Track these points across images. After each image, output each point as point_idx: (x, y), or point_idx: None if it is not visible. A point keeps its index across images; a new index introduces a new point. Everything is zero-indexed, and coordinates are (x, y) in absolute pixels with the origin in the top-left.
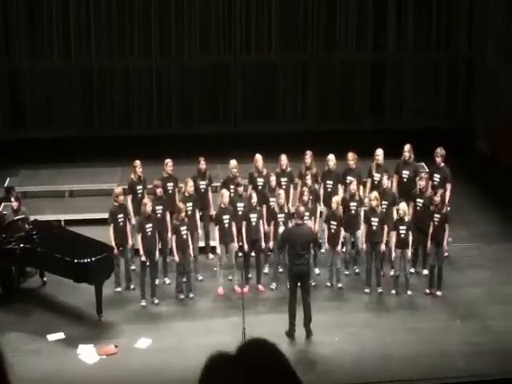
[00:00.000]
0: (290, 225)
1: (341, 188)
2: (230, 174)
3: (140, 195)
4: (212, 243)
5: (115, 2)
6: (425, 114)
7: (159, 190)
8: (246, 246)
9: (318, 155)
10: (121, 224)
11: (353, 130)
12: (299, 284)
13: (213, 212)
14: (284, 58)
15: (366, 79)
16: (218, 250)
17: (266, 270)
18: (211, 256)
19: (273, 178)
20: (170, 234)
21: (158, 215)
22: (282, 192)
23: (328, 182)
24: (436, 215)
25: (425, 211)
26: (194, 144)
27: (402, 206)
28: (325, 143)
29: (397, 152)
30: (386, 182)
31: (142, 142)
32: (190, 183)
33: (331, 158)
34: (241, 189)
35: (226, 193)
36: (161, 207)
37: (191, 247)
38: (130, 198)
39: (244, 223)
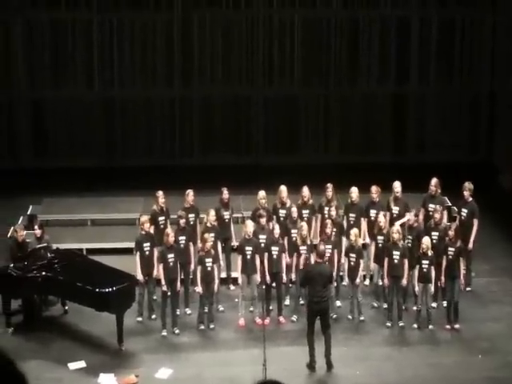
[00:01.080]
0: (312, 260)
1: (363, 221)
2: (259, 205)
3: (162, 226)
4: (234, 274)
5: (138, 34)
6: (447, 147)
7: (183, 221)
8: (267, 278)
9: (340, 188)
10: (147, 253)
11: (375, 163)
12: (319, 318)
13: (235, 243)
14: (306, 91)
15: (389, 112)
16: (240, 281)
17: (287, 302)
18: (233, 287)
19: (294, 210)
20: (192, 265)
21: (181, 245)
22: (304, 224)
23: (351, 214)
24: (450, 249)
25: (439, 244)
26: (216, 174)
27: (426, 240)
28: (347, 176)
29: (418, 185)
30: (412, 219)
31: (164, 172)
32: (212, 213)
33: (354, 190)
34: (263, 220)
35: (250, 223)
36: (184, 237)
37: (217, 280)
38: (152, 228)
39: (266, 255)
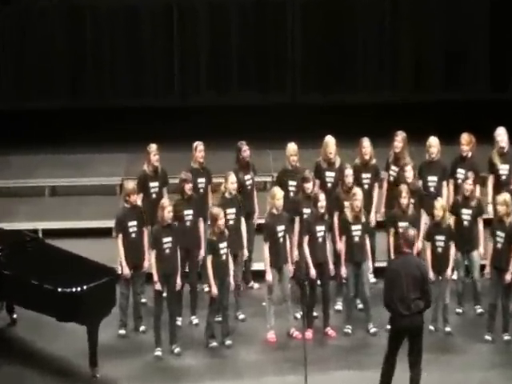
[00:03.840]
0: (392, 255)
1: (445, 187)
2: (288, 165)
3: (155, 195)
4: (257, 266)
5: None
6: None
7: (189, 187)
8: (312, 272)
9: (412, 138)
10: (133, 236)
11: (465, 101)
12: (406, 339)
13: (257, 221)
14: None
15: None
16: (269, 277)
17: (339, 306)
18: (256, 285)
19: (349, 172)
20: (202, 252)
21: (187, 223)
22: (359, 192)
23: (429, 178)
24: None
25: None
26: (232, 121)
27: None
28: (421, 118)
29: None
30: None
31: (158, 117)
32: (233, 178)
33: (433, 142)
34: (309, 186)
35: (279, 193)
36: (191, 212)
37: (232, 273)
38: (140, 198)
39: (306, 238)
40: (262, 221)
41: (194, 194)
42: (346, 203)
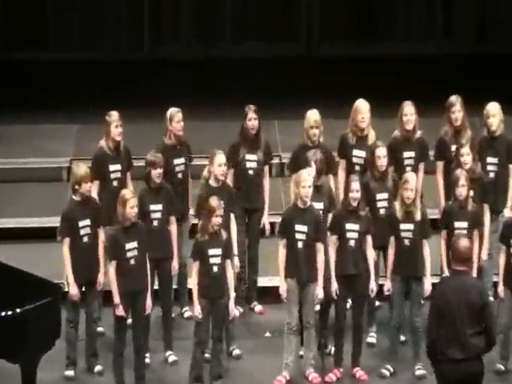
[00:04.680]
0: (445, 272)
1: None
2: (307, 140)
3: (117, 183)
4: (263, 281)
5: None
6: None
7: (157, 173)
8: (334, 287)
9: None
10: (86, 239)
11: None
12: None
13: (266, 220)
14: None
15: None
16: (283, 292)
17: (372, 338)
18: (259, 307)
19: (381, 152)
20: (175, 263)
21: (155, 222)
22: (412, 178)
23: (489, 159)
24: None
25: None
26: (225, 80)
27: None
28: (480, 78)
29: None
30: None
31: (121, 75)
32: (221, 159)
33: (493, 110)
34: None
35: (305, 179)
36: (159, 207)
37: (231, 294)
38: (95, 187)
39: (334, 239)
40: (274, 219)
41: (165, 183)
42: (379, 195)
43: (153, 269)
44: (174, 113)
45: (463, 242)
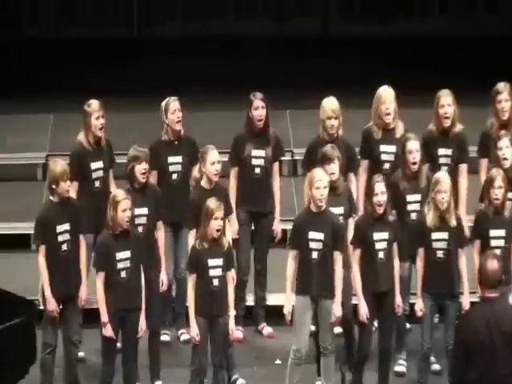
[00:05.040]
0: (475, 298)
1: None
2: (324, 133)
3: (99, 182)
4: (273, 298)
5: None
6: None
7: (141, 169)
8: (363, 309)
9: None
10: (64, 247)
11: None
12: None
13: (279, 225)
14: None
15: None
16: (288, 314)
17: (401, 366)
18: (268, 330)
19: (414, 146)
20: (164, 276)
21: (140, 229)
22: (445, 179)
23: None
24: None
25: None
26: (226, 62)
27: None
28: None
29: None
30: None
31: (105, 55)
32: (214, 156)
33: None
34: (332, 168)
35: (323, 177)
36: (145, 211)
37: (231, 313)
38: (74, 188)
39: (357, 252)
40: (286, 226)
41: (152, 183)
42: (410, 197)
43: (145, 281)
44: (170, 102)
45: (491, 264)
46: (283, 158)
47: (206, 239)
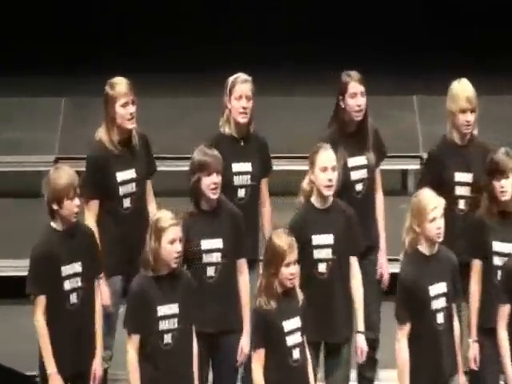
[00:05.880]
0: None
1: None
2: (453, 132)
3: (130, 201)
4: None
5: None
6: None
7: (212, 184)
8: (360, 345)
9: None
10: (74, 299)
11: None
12: None
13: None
14: None
15: None
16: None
17: None
18: None
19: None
20: (244, 342)
21: (210, 271)
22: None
23: None
24: None
25: None
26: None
27: None
28: None
29: None
30: None
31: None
32: (326, 158)
33: None
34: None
35: (436, 206)
36: (219, 242)
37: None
38: (92, 210)
39: (477, 265)
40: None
41: (226, 201)
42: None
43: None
44: (237, 82)
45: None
46: (410, 167)
47: (272, 295)
